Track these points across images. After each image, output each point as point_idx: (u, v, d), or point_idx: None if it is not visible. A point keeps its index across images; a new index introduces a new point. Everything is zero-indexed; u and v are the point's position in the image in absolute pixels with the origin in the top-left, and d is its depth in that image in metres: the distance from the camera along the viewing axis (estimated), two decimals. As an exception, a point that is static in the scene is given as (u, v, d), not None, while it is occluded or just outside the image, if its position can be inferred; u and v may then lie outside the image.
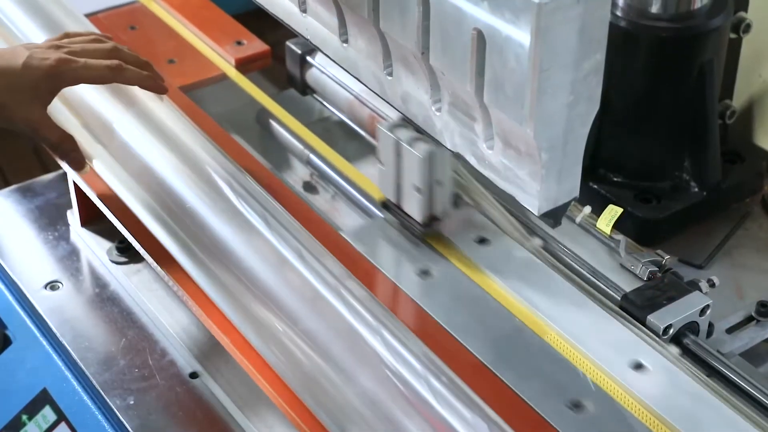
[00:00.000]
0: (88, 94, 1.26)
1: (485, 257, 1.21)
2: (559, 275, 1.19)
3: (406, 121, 1.17)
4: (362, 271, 1.16)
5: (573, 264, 1.22)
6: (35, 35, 1.32)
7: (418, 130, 1.15)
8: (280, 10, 1.30)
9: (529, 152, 1.00)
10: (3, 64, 1.15)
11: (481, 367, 1.09)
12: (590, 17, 0.94)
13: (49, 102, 1.17)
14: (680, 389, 1.07)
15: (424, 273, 1.20)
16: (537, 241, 1.23)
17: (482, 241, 1.24)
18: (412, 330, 1.02)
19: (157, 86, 1.22)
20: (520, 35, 0.93)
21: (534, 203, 1.03)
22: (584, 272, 1.21)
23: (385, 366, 0.97)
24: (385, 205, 1.27)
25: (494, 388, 1.06)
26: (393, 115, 1.36)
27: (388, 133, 1.22)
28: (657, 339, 1.11)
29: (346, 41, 1.21)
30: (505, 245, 1.23)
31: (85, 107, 1.26)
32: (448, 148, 1.11)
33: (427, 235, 1.24)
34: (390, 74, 1.16)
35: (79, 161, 1.22)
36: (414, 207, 1.23)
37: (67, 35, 1.24)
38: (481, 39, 0.97)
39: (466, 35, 0.99)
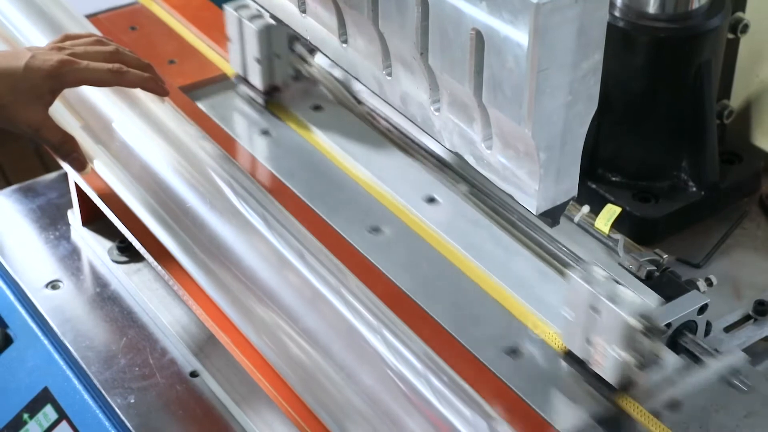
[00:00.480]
0: (89, 94, 1.26)
1: (318, 121, 1.43)
2: (377, 134, 1.39)
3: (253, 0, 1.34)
4: (218, 136, 1.31)
5: (571, 263, 1.23)
6: (35, 37, 1.33)
7: (259, 9, 1.32)
8: (280, 10, 1.31)
9: (528, 152, 1.01)
10: (5, 65, 1.15)
11: (304, 206, 1.28)
12: (588, 18, 0.94)
13: (51, 103, 1.18)
14: (464, 218, 1.27)
15: (265, 133, 1.41)
16: (365, 108, 1.43)
17: (317, 108, 1.45)
18: (258, 184, 1.17)
19: (158, 88, 1.23)
20: (519, 35, 0.93)
21: (532, 203, 1.03)
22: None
23: (385, 365, 0.97)
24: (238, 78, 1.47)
25: (310, 219, 1.23)
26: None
27: (233, 12, 1.42)
28: (450, 174, 1.30)
29: (345, 41, 1.21)
30: (337, 112, 1.44)
31: (86, 108, 1.27)
32: (447, 147, 1.11)
33: (269, 102, 1.45)
34: (389, 74, 1.16)
35: (80, 162, 1.23)
36: (256, 77, 1.43)
37: (68, 37, 1.24)
38: (479, 39, 0.98)
39: (464, 35, 0.99)
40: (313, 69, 1.47)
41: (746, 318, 1.20)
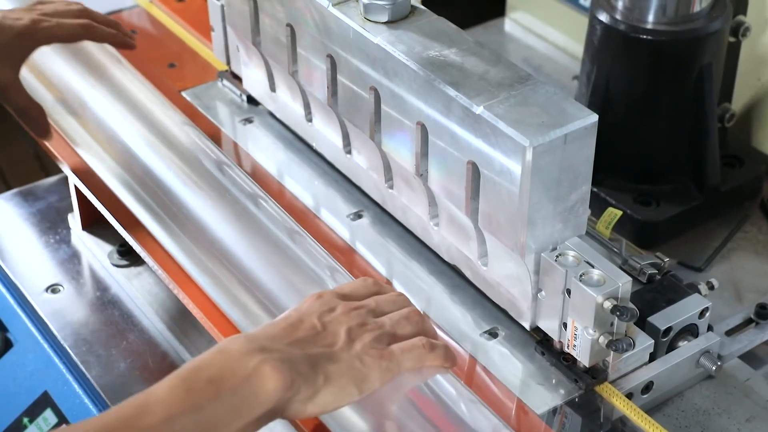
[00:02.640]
0: (62, 69, 1.30)
1: None
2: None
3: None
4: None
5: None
6: (5, 5, 1.36)
7: None
8: (287, 115, 1.37)
9: (520, 275, 1.07)
10: None
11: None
12: (576, 156, 1.02)
13: (21, 64, 1.19)
14: None
15: (248, 121, 1.41)
16: None
17: None
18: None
19: (125, 42, 1.28)
20: (512, 172, 1.00)
21: (525, 320, 1.09)
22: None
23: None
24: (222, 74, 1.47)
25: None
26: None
27: (215, 1, 1.42)
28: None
29: (349, 152, 1.26)
30: None
31: (59, 82, 1.31)
32: (446, 260, 1.18)
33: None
34: (391, 187, 1.22)
35: (43, 128, 1.25)
36: (250, 77, 1.41)
37: (40, 2, 1.26)
38: (475, 170, 1.05)
39: (461, 164, 1.06)
40: None
41: (748, 321, 1.20)
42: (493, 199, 1.03)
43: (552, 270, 1.04)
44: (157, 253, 1.20)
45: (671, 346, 1.11)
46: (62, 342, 1.24)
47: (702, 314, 1.12)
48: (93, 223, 1.38)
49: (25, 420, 1.22)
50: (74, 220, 1.40)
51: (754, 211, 1.37)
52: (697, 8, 1.27)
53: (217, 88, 1.48)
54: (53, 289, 1.31)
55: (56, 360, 1.23)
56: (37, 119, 1.24)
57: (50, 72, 1.34)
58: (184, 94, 1.47)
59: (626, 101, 1.31)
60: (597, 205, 1.27)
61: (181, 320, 1.25)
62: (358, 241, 1.24)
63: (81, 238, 1.38)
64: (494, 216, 1.04)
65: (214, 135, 1.37)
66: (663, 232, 1.30)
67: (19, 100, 1.21)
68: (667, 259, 1.20)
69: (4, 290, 1.33)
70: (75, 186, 1.35)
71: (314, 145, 1.34)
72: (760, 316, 1.20)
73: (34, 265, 1.35)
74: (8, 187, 1.83)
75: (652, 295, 1.14)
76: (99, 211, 1.30)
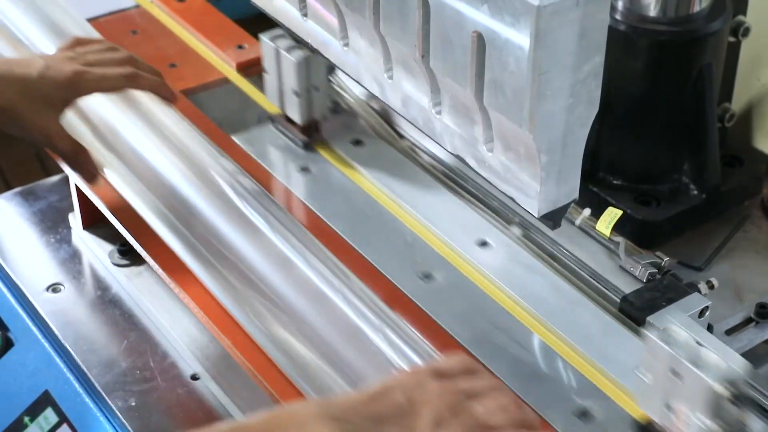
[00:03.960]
0: (97, 102, 1.26)
1: (359, 157, 1.37)
2: (420, 169, 1.35)
3: (285, 31, 1.30)
4: (253, 171, 1.27)
5: (573, 266, 1.23)
6: (41, 41, 1.33)
7: (296, 39, 1.28)
8: (282, 14, 1.31)
9: (529, 154, 1.01)
10: (19, 72, 1.15)
11: (345, 244, 1.23)
12: (589, 20, 0.94)
13: (64, 112, 1.17)
14: (518, 263, 1.22)
15: (304, 169, 1.35)
16: (407, 142, 1.38)
17: (357, 142, 1.38)
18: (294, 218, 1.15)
19: (169, 94, 1.24)
20: (520, 38, 0.93)
21: (533, 205, 1.03)
22: (583, 274, 1.21)
23: (390, 364, 0.97)
24: (271, 117, 1.42)
25: (356, 263, 1.18)
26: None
27: (269, 42, 1.35)
28: (501, 221, 1.27)
29: (346, 45, 1.21)
30: (378, 147, 1.38)
31: (94, 115, 1.26)
32: (449, 150, 1.11)
33: (308, 137, 1.39)
34: (390, 77, 1.16)
35: (91, 173, 1.23)
36: (295, 111, 1.37)
37: (79, 42, 1.24)
38: (480, 42, 0.98)
39: (465, 38, 0.99)
40: (352, 101, 1.43)
41: (748, 321, 1.20)
42: (499, 71, 0.97)
43: (658, 350, 0.96)
44: (157, 252, 1.20)
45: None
46: (63, 341, 1.24)
47: (702, 313, 1.12)
48: (94, 223, 1.38)
49: (26, 419, 1.23)
50: (75, 219, 1.40)
51: (754, 210, 1.37)
52: (696, 8, 1.27)
53: (269, 131, 1.43)
54: (54, 288, 1.31)
55: (57, 359, 1.23)
56: (84, 164, 1.22)
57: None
58: (235, 138, 1.41)
59: (626, 101, 1.31)
60: (597, 205, 1.27)
61: (181, 319, 1.25)
62: (427, 305, 1.18)
63: (82, 238, 1.38)
64: (501, 90, 0.98)
65: (267, 182, 1.34)
66: (663, 232, 1.30)
67: (64, 146, 1.19)
68: (667, 259, 1.20)
69: (4, 289, 1.33)
70: (76, 186, 1.36)
71: (309, 40, 1.28)
72: (760, 315, 1.20)
73: (34, 264, 1.35)
74: (9, 187, 1.84)
75: (652, 295, 1.14)
76: (100, 211, 1.31)
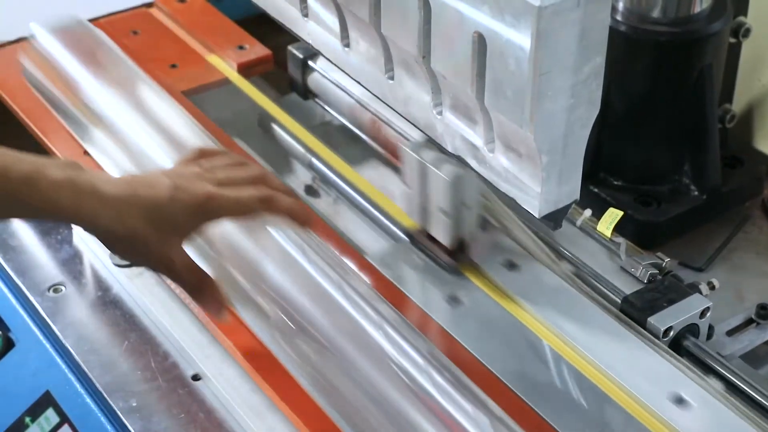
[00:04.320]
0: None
1: (515, 283, 1.17)
2: (592, 302, 1.15)
3: (430, 141, 1.13)
4: (389, 295, 1.11)
5: (578, 268, 1.23)
6: (152, 147, 1.22)
7: (443, 150, 1.11)
8: (282, 14, 1.31)
9: (530, 155, 1.01)
10: (146, 194, 1.01)
11: (516, 399, 1.06)
12: (590, 20, 0.94)
13: (190, 239, 1.05)
14: (727, 428, 1.03)
15: (454, 300, 1.16)
16: (566, 266, 1.18)
17: (511, 266, 1.19)
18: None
19: (306, 217, 1.09)
20: (521, 38, 0.93)
21: (534, 206, 1.03)
22: (585, 275, 1.21)
23: (391, 360, 0.97)
24: (409, 233, 1.21)
25: (531, 422, 1.03)
26: (395, 120, 1.37)
27: (413, 155, 1.16)
28: (696, 371, 1.08)
29: (347, 45, 1.21)
30: (535, 270, 1.18)
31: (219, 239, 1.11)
32: (450, 151, 1.11)
33: (456, 260, 1.19)
34: (391, 78, 1.16)
35: (218, 306, 1.09)
36: (441, 231, 1.19)
37: (203, 154, 1.11)
38: (481, 42, 0.98)
39: (466, 39, 0.99)
40: (503, 217, 1.22)
41: (749, 322, 1.20)
42: (500, 71, 0.97)
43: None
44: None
45: (674, 347, 1.12)
46: (64, 342, 1.24)
47: (703, 314, 1.13)
48: (95, 223, 1.38)
49: (27, 419, 1.22)
50: (76, 220, 1.40)
51: (754, 211, 1.37)
52: (697, 9, 1.27)
53: (406, 249, 1.26)
54: (55, 288, 1.31)
55: (58, 360, 1.23)
56: (211, 296, 1.08)
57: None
58: (370, 259, 1.24)
59: (627, 102, 1.31)
60: (598, 206, 1.28)
61: (182, 320, 1.25)
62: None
63: (83, 238, 1.38)
64: (502, 91, 0.98)
65: (395, 297, 1.17)
66: (664, 233, 1.30)
67: (189, 277, 1.06)
68: (668, 260, 1.20)
69: (5, 290, 1.33)
70: (77, 186, 1.36)
71: (310, 41, 1.27)
72: (760, 316, 1.20)
73: (35, 264, 1.35)
74: (10, 188, 1.83)
75: (653, 295, 1.14)
76: (101, 211, 1.30)
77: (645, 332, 1.11)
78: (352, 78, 1.23)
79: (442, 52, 1.04)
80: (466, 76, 1.01)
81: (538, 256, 1.20)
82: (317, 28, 1.25)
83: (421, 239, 1.20)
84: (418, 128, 1.15)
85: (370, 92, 1.20)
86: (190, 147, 1.16)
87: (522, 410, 1.04)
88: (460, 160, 1.11)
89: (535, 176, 1.02)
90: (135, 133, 1.23)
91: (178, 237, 1.03)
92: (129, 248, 1.03)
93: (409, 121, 1.16)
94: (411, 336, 0.99)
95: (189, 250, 1.05)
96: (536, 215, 1.04)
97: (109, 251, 1.04)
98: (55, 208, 0.99)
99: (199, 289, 1.07)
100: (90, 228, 1.02)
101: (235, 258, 1.08)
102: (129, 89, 1.27)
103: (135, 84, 1.29)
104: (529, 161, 1.01)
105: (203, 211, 1.03)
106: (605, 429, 1.04)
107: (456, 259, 1.19)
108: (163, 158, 1.19)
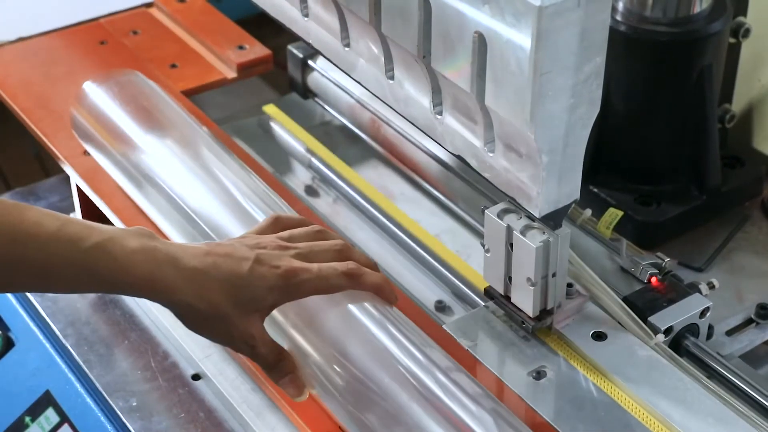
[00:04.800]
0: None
1: (604, 355, 1.08)
2: (689, 377, 1.06)
3: (513, 204, 1.08)
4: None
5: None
6: (229, 224, 1.14)
7: (530, 216, 1.06)
8: (283, 14, 1.31)
9: (530, 155, 1.01)
10: (228, 267, 0.96)
11: None
12: (591, 21, 0.94)
13: (268, 314, 0.99)
14: None
15: (539, 374, 1.08)
16: (660, 337, 1.11)
17: (599, 336, 1.11)
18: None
19: (391, 294, 1.04)
20: (521, 38, 0.93)
21: (535, 206, 1.03)
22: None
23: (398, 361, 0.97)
24: (489, 294, 1.14)
25: None
26: (395, 119, 1.37)
27: (498, 220, 1.08)
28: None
29: (347, 45, 1.21)
30: (625, 341, 1.09)
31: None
32: (450, 151, 1.11)
33: (539, 330, 1.11)
34: (392, 77, 1.16)
35: (297, 385, 1.01)
36: (524, 299, 1.10)
37: (280, 223, 1.06)
38: (482, 42, 0.98)
39: (467, 38, 0.99)
40: (591, 285, 1.13)
41: (748, 321, 1.21)
42: (500, 72, 0.96)
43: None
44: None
45: (674, 346, 1.12)
46: (64, 341, 1.24)
47: (703, 314, 1.13)
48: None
49: (27, 419, 1.23)
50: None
51: (754, 211, 1.37)
52: (697, 9, 1.27)
53: (482, 314, 1.16)
54: (55, 288, 1.31)
55: (58, 359, 1.23)
56: (290, 375, 1.01)
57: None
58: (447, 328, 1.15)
59: (627, 102, 1.31)
60: (598, 206, 1.28)
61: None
62: None
63: (82, 238, 1.38)
64: (502, 91, 0.97)
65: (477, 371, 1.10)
66: (664, 233, 1.30)
67: (268, 354, 0.99)
68: (667, 260, 1.20)
69: (5, 289, 1.33)
70: (77, 186, 1.36)
71: (310, 41, 1.27)
72: (760, 316, 1.20)
73: (35, 264, 1.35)
74: (9, 187, 1.84)
75: (653, 295, 1.14)
76: (100, 211, 1.31)
77: (752, 413, 1.04)
78: (352, 78, 1.22)
79: (443, 51, 1.04)
80: (466, 75, 1.01)
81: (628, 325, 1.11)
82: (317, 28, 1.25)
83: (502, 306, 1.12)
84: (418, 128, 1.15)
85: (370, 92, 1.20)
86: (253, 209, 1.13)
87: None
88: (459, 158, 1.11)
89: (535, 177, 1.01)
90: (195, 193, 1.17)
91: (258, 313, 0.98)
92: (208, 324, 0.97)
93: (409, 120, 1.16)
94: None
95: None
96: (536, 215, 1.03)
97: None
98: (130, 279, 0.93)
99: (278, 369, 1.01)
100: (167, 301, 0.96)
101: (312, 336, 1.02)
102: (188, 147, 1.22)
103: (195, 142, 1.23)
104: (529, 162, 1.01)
105: (285, 286, 0.97)
106: None
107: (539, 327, 1.10)
108: (226, 221, 1.13)
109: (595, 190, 1.32)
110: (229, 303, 0.95)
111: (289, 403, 1.07)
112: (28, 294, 1.31)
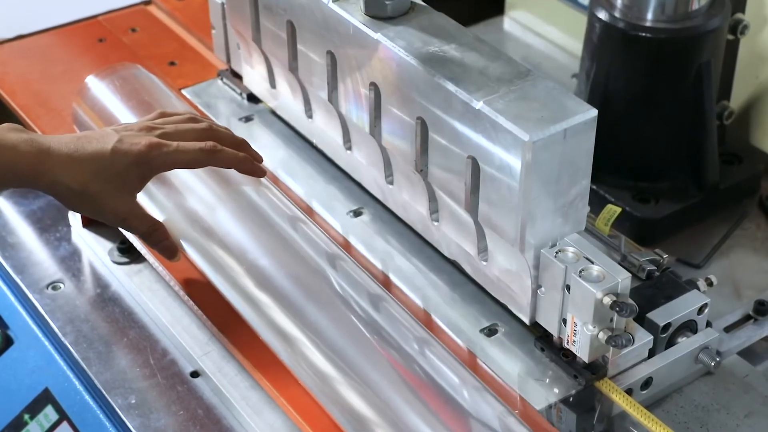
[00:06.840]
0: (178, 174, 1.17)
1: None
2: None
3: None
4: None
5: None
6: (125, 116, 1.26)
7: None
8: (287, 111, 1.37)
9: (520, 268, 1.07)
10: (92, 149, 1.06)
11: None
12: (575, 151, 1.02)
13: (140, 190, 1.10)
14: None
15: (247, 119, 1.33)
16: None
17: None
18: None
19: (254, 168, 1.13)
20: (511, 167, 1.00)
21: (525, 314, 1.10)
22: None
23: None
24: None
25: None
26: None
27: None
28: None
29: (349, 149, 1.26)
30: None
31: (174, 189, 1.17)
32: (446, 255, 1.18)
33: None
34: (391, 183, 1.23)
35: (170, 250, 1.15)
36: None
37: (163, 114, 1.16)
38: (475, 165, 1.05)
39: (461, 160, 1.06)
40: None
41: (746, 318, 1.21)
42: (492, 194, 1.04)
43: (552, 266, 1.04)
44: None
45: (670, 343, 1.12)
46: (63, 339, 1.24)
47: (701, 310, 1.13)
48: (93, 221, 1.38)
49: (26, 417, 1.23)
50: (75, 217, 1.40)
51: (752, 208, 1.37)
52: (695, 6, 1.27)
53: (217, 86, 1.49)
54: (54, 286, 1.31)
55: (57, 357, 1.23)
56: (162, 242, 1.14)
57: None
58: (184, 92, 1.47)
59: (625, 99, 1.31)
60: (596, 203, 1.28)
61: (181, 317, 1.25)
62: (356, 237, 1.25)
63: (81, 236, 1.38)
64: (494, 211, 1.04)
65: None
66: (662, 229, 1.30)
67: (140, 226, 1.12)
68: (666, 256, 1.20)
69: (5, 287, 1.33)
70: (75, 183, 1.36)
71: (314, 141, 1.33)
72: (758, 312, 1.21)
73: (34, 262, 1.35)
74: (8, 186, 1.83)
75: (651, 292, 1.14)
76: (99, 209, 1.31)
77: None
78: (353, 179, 1.29)
79: (438, 168, 1.10)
80: (460, 192, 1.08)
81: None
82: (321, 130, 1.30)
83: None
84: (417, 231, 1.21)
85: (371, 194, 1.26)
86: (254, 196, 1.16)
87: None
88: (454, 263, 1.17)
89: (525, 288, 1.07)
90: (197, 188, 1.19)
91: (125, 189, 1.08)
92: (83, 202, 1.07)
93: (407, 225, 1.22)
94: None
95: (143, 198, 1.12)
96: (527, 322, 1.09)
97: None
98: (16, 169, 1.04)
99: (151, 235, 1.13)
100: (47, 186, 1.06)
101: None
102: None
103: None
104: (520, 274, 1.07)
105: (145, 161, 1.07)
106: None
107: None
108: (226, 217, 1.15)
109: (594, 186, 1.32)
110: (97, 181, 1.06)
111: (287, 400, 1.07)
112: (27, 292, 1.31)
